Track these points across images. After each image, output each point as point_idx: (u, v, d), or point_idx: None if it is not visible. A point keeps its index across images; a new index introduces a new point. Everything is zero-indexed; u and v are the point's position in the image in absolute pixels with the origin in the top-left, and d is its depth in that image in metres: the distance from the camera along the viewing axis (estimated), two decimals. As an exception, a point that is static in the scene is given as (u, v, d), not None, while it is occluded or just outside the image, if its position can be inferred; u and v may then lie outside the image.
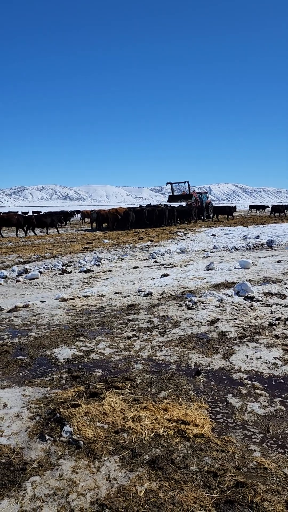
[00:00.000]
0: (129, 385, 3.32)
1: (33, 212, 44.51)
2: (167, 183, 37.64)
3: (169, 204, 33.30)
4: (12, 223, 20.40)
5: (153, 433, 2.62)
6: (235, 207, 37.30)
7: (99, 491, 2.14)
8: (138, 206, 31.77)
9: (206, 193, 40.27)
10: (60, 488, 2.17)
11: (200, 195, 37.67)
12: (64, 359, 3.97)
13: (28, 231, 21.44)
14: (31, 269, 9.27)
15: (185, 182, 37.72)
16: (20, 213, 39.45)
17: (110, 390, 3.20)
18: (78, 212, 43.69)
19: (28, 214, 32.93)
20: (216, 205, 44.54)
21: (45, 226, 21.71)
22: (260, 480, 2.19)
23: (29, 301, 6.24)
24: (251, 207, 58.88)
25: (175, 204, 31.83)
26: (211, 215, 34.68)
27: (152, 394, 3.18)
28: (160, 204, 32.15)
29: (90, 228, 26.37)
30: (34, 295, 6.92)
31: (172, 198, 37.03)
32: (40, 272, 8.94)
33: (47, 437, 2.62)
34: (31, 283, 8.04)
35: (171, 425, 2.70)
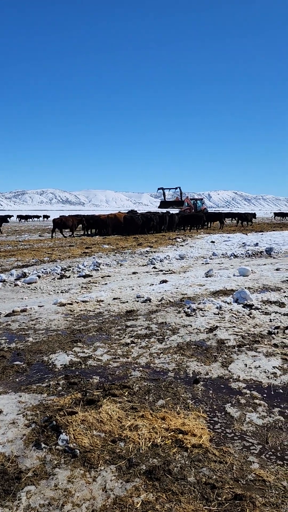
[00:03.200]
0: (126, 392, 3.28)
1: None
2: (159, 189, 37.37)
3: (159, 210, 32.96)
4: None
5: (150, 443, 2.59)
6: (254, 214, 36.27)
7: (95, 502, 2.10)
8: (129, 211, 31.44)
9: (202, 199, 40.05)
10: (55, 498, 2.13)
11: (195, 201, 37.45)
12: (61, 365, 3.93)
13: None
14: (29, 273, 9.23)
15: (176, 188, 37.47)
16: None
17: (107, 398, 3.16)
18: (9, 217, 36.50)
19: None
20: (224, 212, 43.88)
21: None
22: (259, 492, 2.16)
23: (27, 306, 6.21)
24: (275, 214, 58.21)
25: (165, 210, 31.39)
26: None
27: (150, 402, 3.14)
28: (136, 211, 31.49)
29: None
30: (32, 300, 6.88)
31: (163, 204, 36.66)
32: (39, 276, 8.91)
33: (43, 445, 2.58)
34: (29, 287, 8.00)
35: (169, 434, 2.67)
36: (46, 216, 66.40)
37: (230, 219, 40.98)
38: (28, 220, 58.33)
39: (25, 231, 29.55)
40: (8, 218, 30.16)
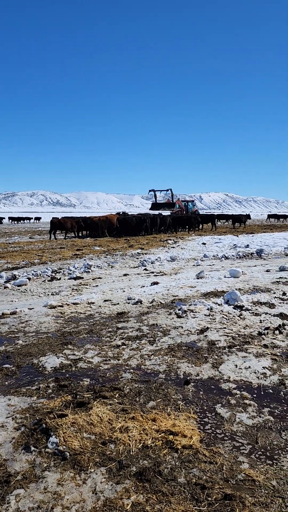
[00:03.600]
0: (117, 394, 3.27)
1: None
2: (150, 190, 37.44)
3: (151, 212, 33.00)
4: None
5: (141, 444, 2.58)
6: (248, 215, 36.31)
7: (85, 504, 2.09)
8: (121, 213, 31.42)
9: (193, 201, 40.13)
10: (45, 501, 2.12)
11: (186, 203, 37.52)
12: (51, 367, 3.91)
13: None
14: (19, 276, 9.17)
15: (167, 190, 37.52)
16: None
17: (98, 400, 3.15)
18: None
19: None
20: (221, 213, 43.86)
21: None
22: (248, 492, 2.16)
23: (16, 308, 6.16)
24: (269, 216, 57.57)
25: (157, 212, 31.40)
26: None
27: (141, 404, 3.14)
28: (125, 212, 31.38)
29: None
30: (22, 302, 6.83)
31: (154, 206, 36.69)
32: (29, 279, 8.86)
33: (32, 448, 2.56)
34: (19, 289, 7.95)
35: (159, 436, 2.67)
36: (37, 218, 66.15)
37: (225, 220, 41.15)
38: (20, 222, 58.09)
39: (15, 233, 29.36)
40: (2, 220, 30.17)
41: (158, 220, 25.71)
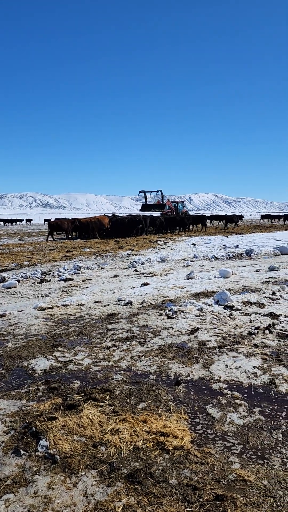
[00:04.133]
0: (107, 396, 3.25)
1: None
2: (140, 192, 37.55)
3: (141, 213, 33.10)
4: None
5: (131, 446, 2.57)
6: (241, 216, 36.55)
7: (76, 508, 2.07)
8: (111, 214, 31.40)
9: (183, 202, 40.33)
10: (35, 505, 2.09)
11: (176, 204, 37.70)
12: (41, 370, 3.87)
13: None
14: (8, 278, 9.09)
15: (158, 191, 37.66)
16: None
17: (88, 402, 3.13)
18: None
19: None
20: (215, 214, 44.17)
21: None
22: (240, 492, 2.16)
23: (6, 311, 6.10)
24: (262, 216, 57.40)
25: (148, 213, 31.52)
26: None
27: (131, 406, 3.12)
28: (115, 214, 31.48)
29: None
30: (11, 304, 6.77)
31: (145, 207, 36.80)
32: (18, 281, 8.78)
33: (22, 452, 2.53)
34: (8, 292, 7.88)
35: (150, 437, 2.65)
36: (29, 220, 65.82)
37: (218, 221, 41.40)
38: (13, 224, 57.73)
39: (4, 235, 29.11)
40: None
41: (148, 221, 25.73)
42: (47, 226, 23.74)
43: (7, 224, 56.91)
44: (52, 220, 24.70)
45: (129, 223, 24.45)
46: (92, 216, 26.04)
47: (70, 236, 23.90)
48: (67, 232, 23.62)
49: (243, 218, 37.82)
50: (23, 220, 64.39)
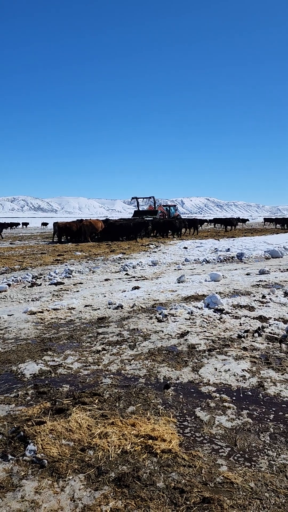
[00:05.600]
0: (96, 400, 3.25)
1: None
2: (132, 198, 37.69)
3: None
4: None
5: (120, 450, 2.57)
6: (239, 218, 36.83)
7: (63, 512, 2.07)
8: (105, 218, 31.45)
9: (175, 205, 40.50)
10: (22, 510, 2.08)
11: (168, 208, 37.86)
12: (30, 374, 3.86)
13: None
14: (-1, 282, 9.03)
15: (150, 198, 37.83)
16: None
17: (77, 406, 3.13)
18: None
19: None
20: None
21: None
22: (227, 495, 2.18)
23: (-4, 315, 6.07)
24: (265, 220, 57.96)
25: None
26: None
27: (120, 409, 3.12)
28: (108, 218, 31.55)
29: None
30: (1, 309, 6.73)
31: (137, 213, 36.87)
32: (9, 285, 8.74)
33: (10, 456, 2.52)
34: (-1, 296, 7.83)
35: (139, 441, 2.66)
36: (25, 224, 65.11)
37: (220, 225, 41.97)
38: (12, 228, 56.94)
39: (-5, 238, 28.90)
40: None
41: (140, 225, 25.75)
42: (56, 228, 23.62)
43: (5, 228, 56.14)
44: (59, 222, 24.57)
45: (120, 227, 24.45)
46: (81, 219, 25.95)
47: (63, 240, 23.82)
48: (75, 235, 23.49)
49: (246, 222, 38.15)
50: (19, 223, 63.58)
